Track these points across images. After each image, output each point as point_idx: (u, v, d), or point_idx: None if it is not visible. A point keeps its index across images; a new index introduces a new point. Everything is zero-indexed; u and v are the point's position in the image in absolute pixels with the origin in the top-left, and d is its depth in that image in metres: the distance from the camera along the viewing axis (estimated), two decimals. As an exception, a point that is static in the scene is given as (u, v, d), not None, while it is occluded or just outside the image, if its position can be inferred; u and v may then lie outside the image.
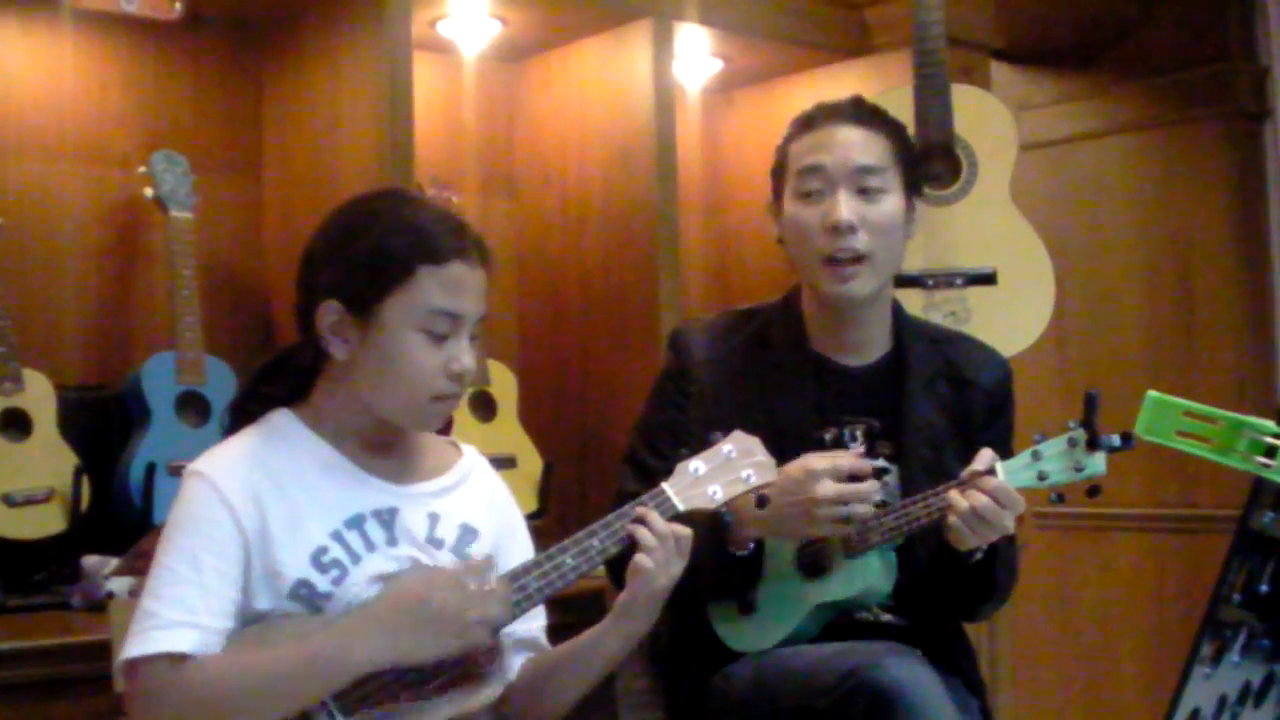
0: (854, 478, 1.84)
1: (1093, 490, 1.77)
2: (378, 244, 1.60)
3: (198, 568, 1.53)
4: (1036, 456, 1.79)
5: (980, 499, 1.76)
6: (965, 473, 1.81)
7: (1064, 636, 4.13)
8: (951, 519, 1.79)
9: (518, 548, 1.77)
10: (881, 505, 1.91)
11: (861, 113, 2.01)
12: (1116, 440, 1.75)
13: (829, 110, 2.02)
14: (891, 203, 1.98)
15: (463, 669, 1.57)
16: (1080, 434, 1.76)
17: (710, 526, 1.81)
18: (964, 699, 1.93)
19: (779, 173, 2.05)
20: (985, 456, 1.82)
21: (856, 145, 1.97)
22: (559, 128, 3.31)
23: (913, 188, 2.03)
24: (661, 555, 1.60)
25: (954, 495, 1.79)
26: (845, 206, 1.93)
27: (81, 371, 2.78)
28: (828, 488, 1.81)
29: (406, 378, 1.60)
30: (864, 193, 1.95)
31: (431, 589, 1.51)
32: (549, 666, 1.72)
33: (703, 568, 1.73)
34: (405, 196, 1.72)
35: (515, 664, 1.73)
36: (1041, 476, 1.78)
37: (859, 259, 1.94)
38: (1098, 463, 1.76)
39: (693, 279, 3.69)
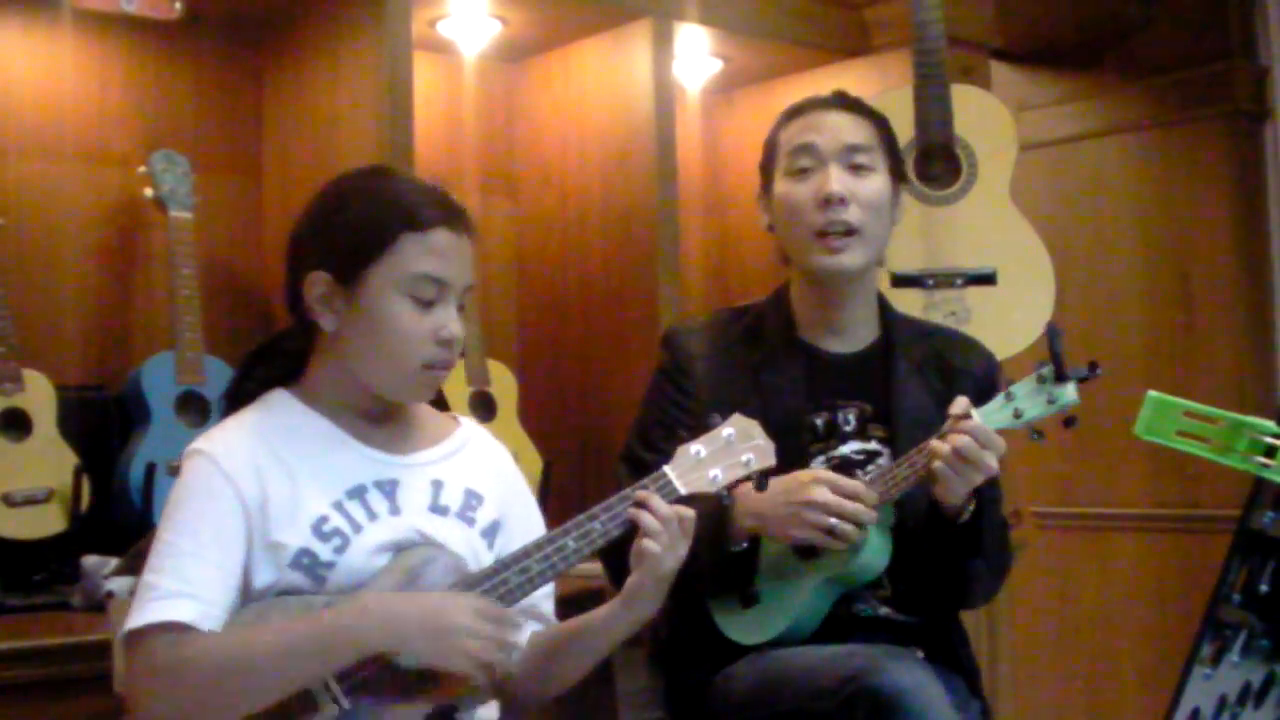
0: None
1: (1069, 421, 1.81)
2: (361, 213, 1.61)
3: (198, 541, 1.53)
4: (1009, 397, 1.83)
5: (961, 439, 1.80)
6: (946, 424, 1.84)
7: (1064, 636, 4.13)
8: (936, 464, 1.82)
9: (524, 516, 1.77)
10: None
11: (847, 101, 2.09)
12: (1084, 370, 1.79)
13: (816, 100, 2.09)
14: (880, 181, 2.04)
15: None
16: (1048, 369, 1.80)
17: (708, 522, 1.82)
18: (965, 700, 1.93)
19: (768, 161, 2.10)
20: (961, 403, 1.86)
21: (845, 126, 2.05)
22: (559, 128, 3.31)
23: (897, 175, 2.09)
24: (667, 538, 1.60)
25: (935, 443, 1.83)
26: (836, 180, 2.00)
27: (81, 371, 2.78)
28: (823, 494, 1.84)
29: (394, 345, 1.60)
30: (854, 169, 2.02)
31: (457, 611, 1.49)
32: (554, 646, 1.72)
33: (699, 562, 1.73)
34: (388, 172, 1.73)
35: (521, 636, 1.71)
36: (1017, 414, 1.82)
37: (850, 232, 2.00)
38: (1069, 393, 1.80)
39: (693, 279, 3.69)
